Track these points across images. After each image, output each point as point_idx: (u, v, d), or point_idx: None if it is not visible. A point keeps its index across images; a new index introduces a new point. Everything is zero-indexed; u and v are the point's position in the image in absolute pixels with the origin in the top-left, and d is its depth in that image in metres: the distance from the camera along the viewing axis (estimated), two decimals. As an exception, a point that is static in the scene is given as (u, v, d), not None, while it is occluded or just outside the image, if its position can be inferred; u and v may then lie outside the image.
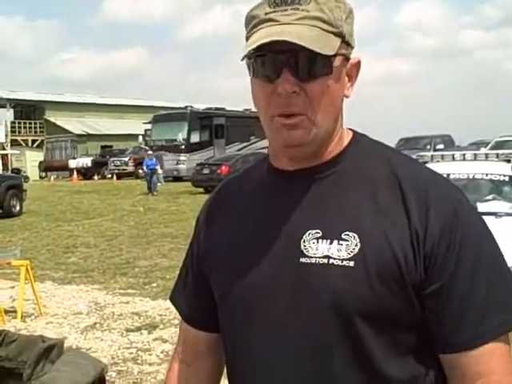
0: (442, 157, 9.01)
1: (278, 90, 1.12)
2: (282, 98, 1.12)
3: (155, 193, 22.98)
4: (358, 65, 1.22)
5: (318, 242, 1.14)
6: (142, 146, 37.12)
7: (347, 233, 1.13)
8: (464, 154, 8.89)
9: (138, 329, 6.70)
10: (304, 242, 1.16)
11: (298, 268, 1.15)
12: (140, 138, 38.87)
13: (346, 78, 1.20)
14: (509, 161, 8.26)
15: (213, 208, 1.36)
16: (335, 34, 1.13)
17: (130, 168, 34.75)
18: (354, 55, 1.21)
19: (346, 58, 1.18)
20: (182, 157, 29.33)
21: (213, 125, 31.28)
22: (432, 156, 9.20)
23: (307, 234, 1.16)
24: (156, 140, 31.34)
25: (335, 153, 1.22)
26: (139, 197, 22.21)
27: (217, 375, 1.43)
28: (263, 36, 1.10)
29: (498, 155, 8.66)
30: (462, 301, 1.11)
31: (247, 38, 1.17)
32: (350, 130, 1.28)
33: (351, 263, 1.11)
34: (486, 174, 7.78)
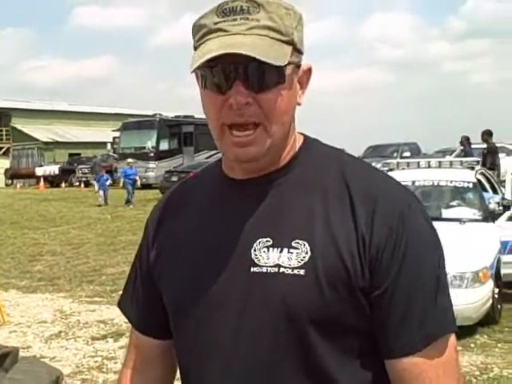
0: (408, 164, 9.10)
1: (229, 101, 1.10)
2: (234, 110, 1.11)
3: (131, 206, 21.42)
4: (309, 71, 1.21)
5: (268, 250, 1.14)
6: (111, 153, 36.82)
7: (297, 241, 1.13)
8: (429, 162, 8.99)
9: (104, 337, 6.63)
10: (255, 250, 1.15)
11: (249, 277, 1.14)
12: (108, 145, 38.55)
13: (298, 86, 1.19)
14: (472, 168, 8.38)
15: (163, 213, 1.34)
16: (286, 43, 1.12)
17: (98, 176, 34.42)
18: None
19: (297, 66, 1.17)
20: (151, 164, 29.14)
21: (182, 133, 31.17)
22: (398, 163, 9.29)
23: (258, 242, 1.16)
24: (124, 148, 31.11)
25: (287, 159, 1.22)
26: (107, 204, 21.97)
27: (168, 381, 1.41)
28: (214, 48, 1.08)
29: (462, 163, 8.77)
30: (401, 308, 1.12)
31: (195, 47, 1.15)
32: (301, 134, 1.27)
33: (302, 271, 1.11)
34: (451, 181, 7.91)
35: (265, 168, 1.20)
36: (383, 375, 1.15)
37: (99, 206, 21.81)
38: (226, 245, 1.19)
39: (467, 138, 15.72)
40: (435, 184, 7.86)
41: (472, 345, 5.89)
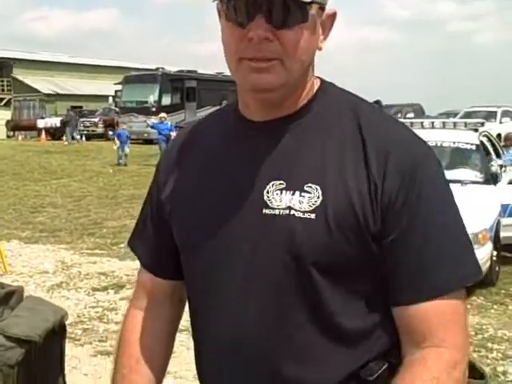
0: (412, 124, 9.03)
1: (249, 34, 1.09)
2: (253, 44, 1.09)
3: None
4: (333, 16, 1.19)
5: (281, 193, 1.15)
6: (112, 107, 36.63)
7: (310, 185, 1.13)
8: (433, 122, 8.93)
9: (105, 288, 6.71)
10: (268, 192, 1.16)
11: (262, 219, 1.15)
12: (110, 99, 38.32)
13: (320, 29, 1.17)
14: (476, 130, 8.34)
15: (175, 154, 1.33)
16: None
17: (100, 129, 34.34)
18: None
19: (322, 8, 1.15)
20: (153, 119, 29.06)
21: (184, 88, 30.97)
22: (402, 123, 9.24)
23: (271, 184, 1.16)
24: (126, 101, 31.00)
25: (304, 102, 1.21)
26: (109, 158, 21.94)
27: (174, 322, 1.43)
28: None
29: (466, 124, 8.70)
30: (414, 255, 1.12)
31: None
32: (318, 78, 1.26)
33: (312, 215, 1.11)
34: (454, 142, 7.88)
35: (281, 109, 1.19)
36: (386, 320, 1.17)
37: (125, 165, 19.79)
38: (239, 185, 1.19)
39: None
40: (438, 145, 7.83)
41: (468, 306, 5.93)
